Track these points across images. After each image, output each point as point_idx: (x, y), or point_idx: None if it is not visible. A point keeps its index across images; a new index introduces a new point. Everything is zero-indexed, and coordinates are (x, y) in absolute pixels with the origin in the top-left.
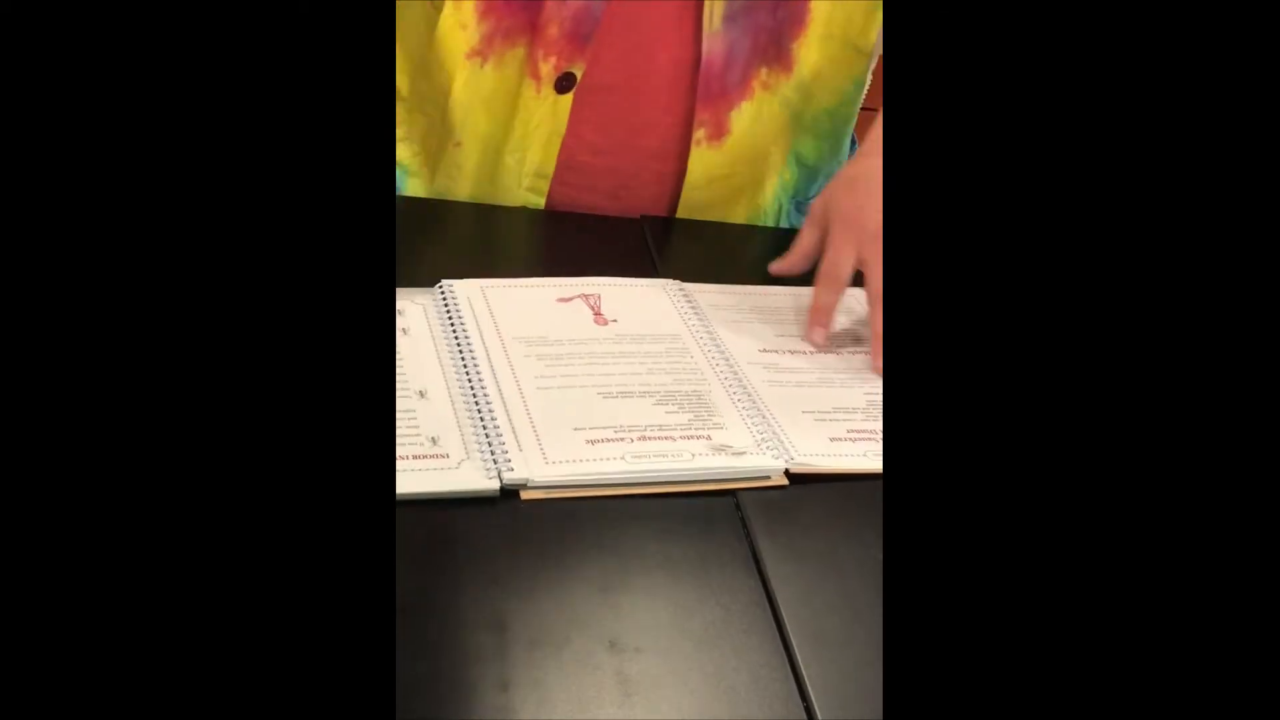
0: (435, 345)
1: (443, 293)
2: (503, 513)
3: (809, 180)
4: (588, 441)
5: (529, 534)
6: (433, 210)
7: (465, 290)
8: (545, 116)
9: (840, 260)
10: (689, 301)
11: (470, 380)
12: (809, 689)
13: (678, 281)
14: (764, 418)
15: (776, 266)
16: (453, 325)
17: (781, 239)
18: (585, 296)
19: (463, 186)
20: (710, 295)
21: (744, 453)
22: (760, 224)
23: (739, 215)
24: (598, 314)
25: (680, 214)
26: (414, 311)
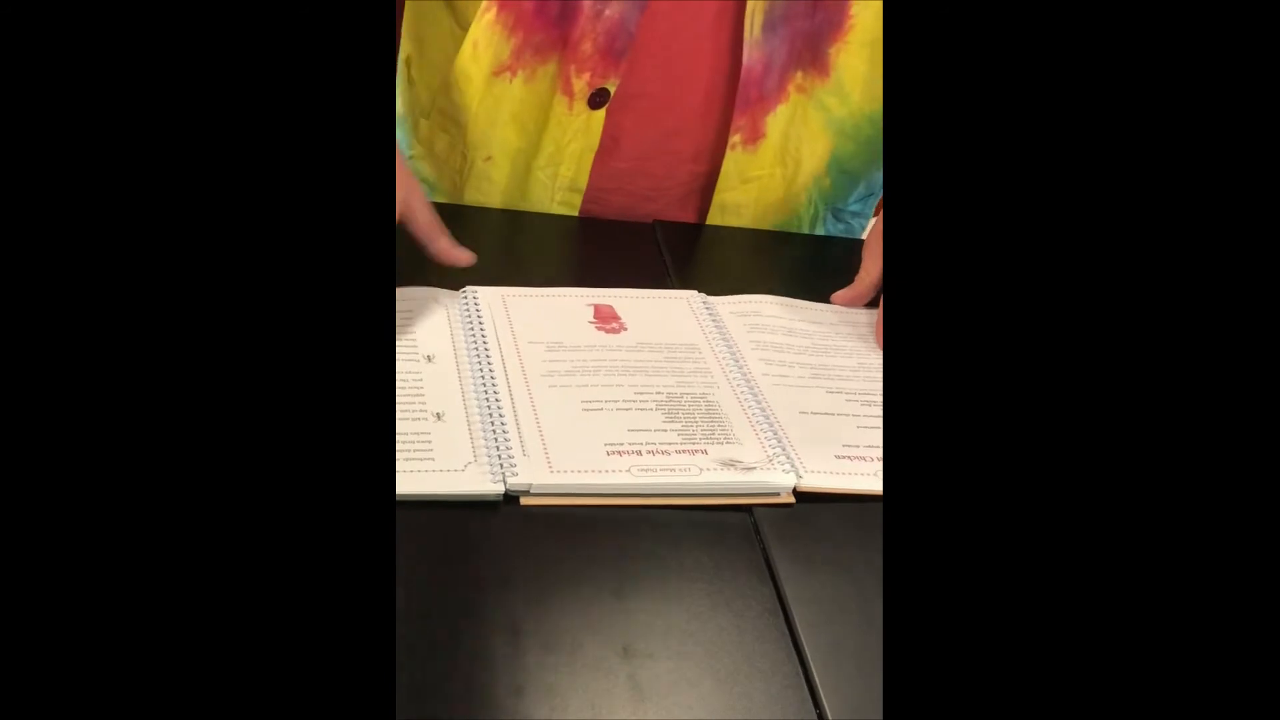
0: (455, 350)
1: (466, 298)
2: (511, 518)
3: (849, 187)
4: (593, 451)
5: (541, 539)
6: (458, 215)
7: (488, 297)
8: (578, 132)
9: None
10: (710, 313)
11: (485, 385)
12: (821, 695)
13: (700, 293)
14: (776, 434)
15: (841, 298)
16: (473, 330)
17: (799, 245)
18: (603, 306)
19: (493, 199)
20: (733, 306)
21: (753, 468)
22: (794, 229)
23: (772, 218)
24: (615, 324)
25: (712, 215)
26: (439, 315)
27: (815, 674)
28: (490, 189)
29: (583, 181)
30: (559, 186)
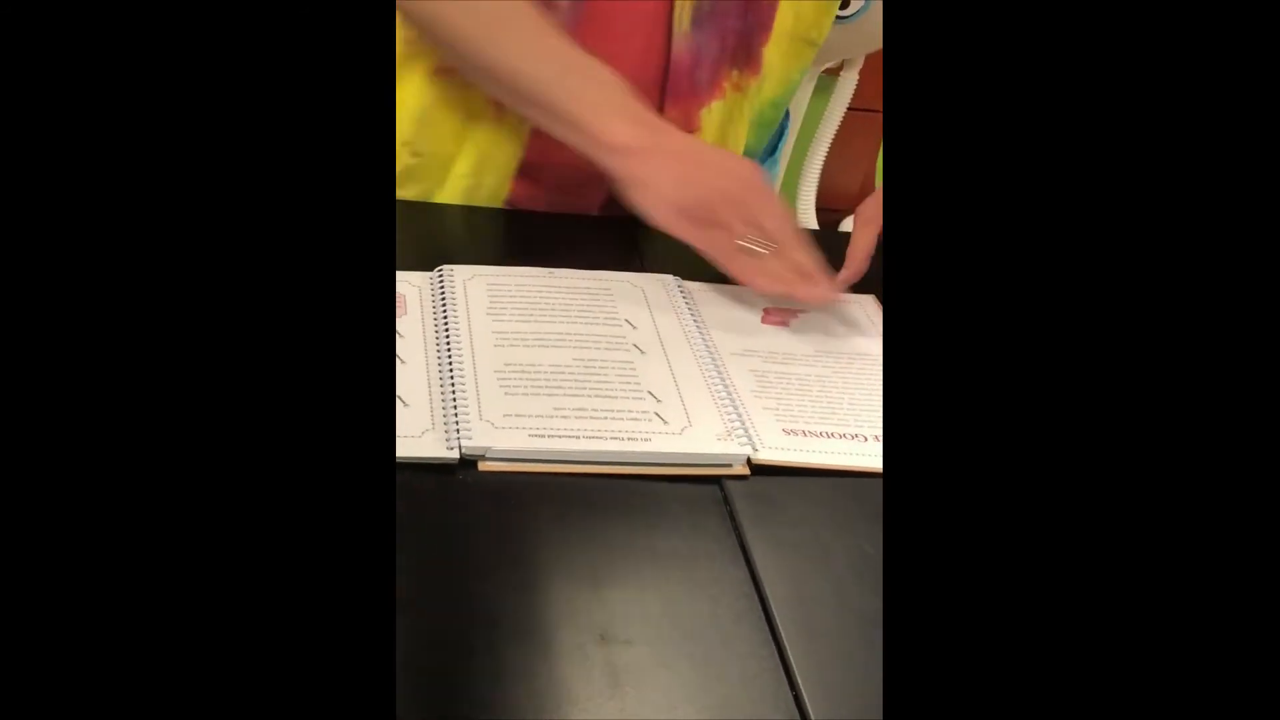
0: (423, 323)
1: (440, 276)
2: (478, 497)
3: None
4: (551, 417)
5: (515, 526)
6: (427, 210)
7: (461, 274)
8: (505, 138)
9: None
10: (684, 296)
11: (450, 354)
12: (798, 678)
13: (675, 277)
14: (735, 407)
15: (844, 277)
16: (444, 304)
17: None
18: (578, 284)
19: (415, 196)
20: (709, 292)
21: (707, 438)
22: None
23: None
24: (588, 301)
25: None
26: (410, 294)
27: (791, 657)
28: (415, 187)
29: (503, 192)
30: (484, 185)
